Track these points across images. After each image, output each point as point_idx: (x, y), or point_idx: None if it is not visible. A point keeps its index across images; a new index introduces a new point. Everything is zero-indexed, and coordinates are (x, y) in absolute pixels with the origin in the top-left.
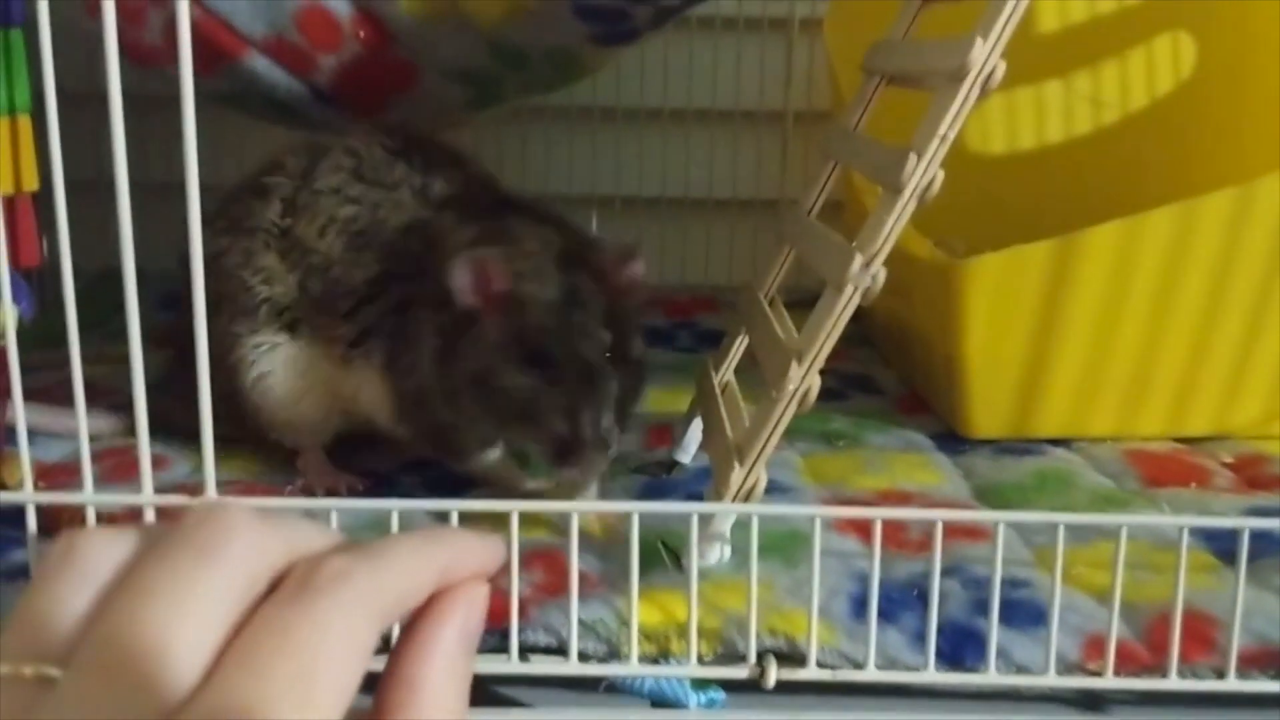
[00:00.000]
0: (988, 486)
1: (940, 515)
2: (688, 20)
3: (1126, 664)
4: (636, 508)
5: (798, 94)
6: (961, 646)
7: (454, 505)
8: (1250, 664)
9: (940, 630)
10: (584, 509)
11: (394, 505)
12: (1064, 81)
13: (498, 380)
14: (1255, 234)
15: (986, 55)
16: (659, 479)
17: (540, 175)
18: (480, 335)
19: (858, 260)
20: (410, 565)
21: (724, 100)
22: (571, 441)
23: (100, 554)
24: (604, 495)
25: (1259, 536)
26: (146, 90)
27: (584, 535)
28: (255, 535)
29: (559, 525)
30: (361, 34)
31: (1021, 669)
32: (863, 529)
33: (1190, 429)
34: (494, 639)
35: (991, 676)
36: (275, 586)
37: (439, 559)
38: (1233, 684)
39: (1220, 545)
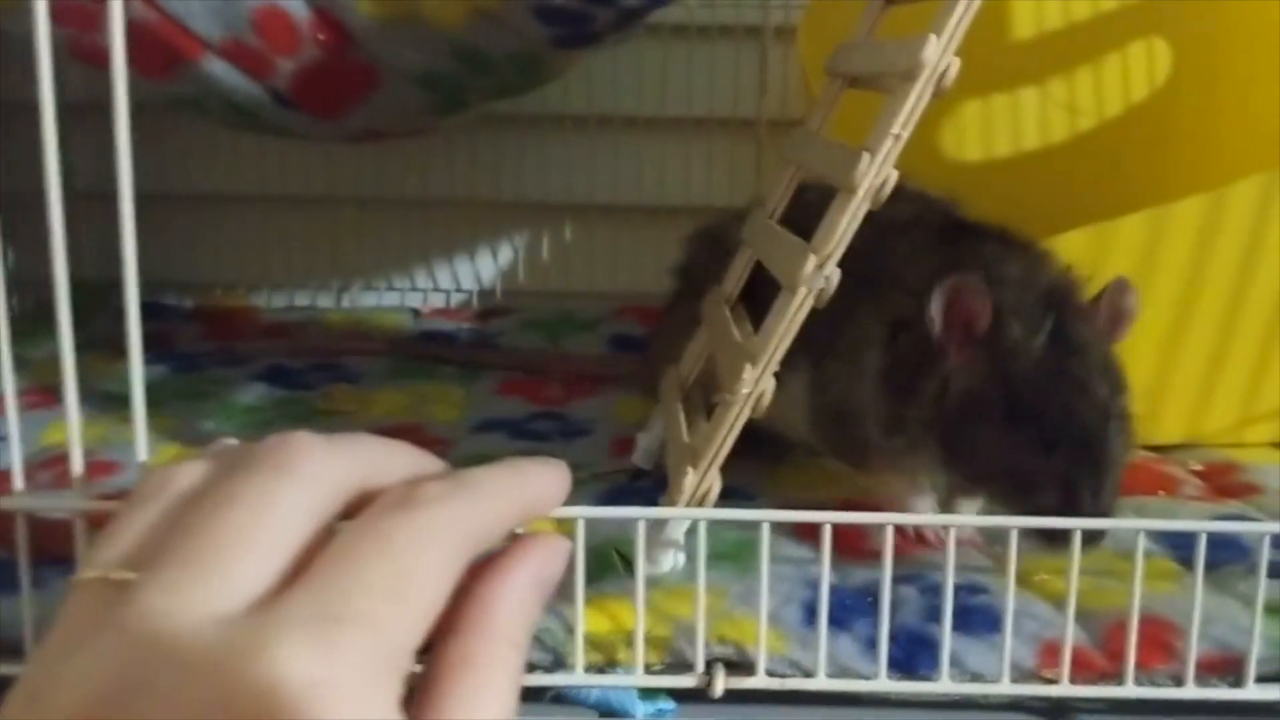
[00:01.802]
0: None
1: (890, 519)
2: (660, 27)
3: (1084, 671)
4: (582, 513)
5: (772, 102)
6: (915, 654)
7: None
8: (1210, 670)
9: (894, 638)
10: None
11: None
12: (1040, 89)
13: (974, 434)
14: (1227, 240)
15: (940, 53)
16: (620, 486)
17: (513, 183)
18: (949, 375)
19: (811, 261)
20: (500, 499)
21: (698, 108)
22: (1061, 513)
23: (182, 476)
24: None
25: (1223, 543)
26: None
27: None
28: (329, 457)
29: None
30: (320, 36)
31: (976, 677)
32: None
33: (1161, 437)
34: None
35: (944, 685)
36: (351, 513)
37: (524, 494)
38: (1191, 691)
39: (1184, 552)
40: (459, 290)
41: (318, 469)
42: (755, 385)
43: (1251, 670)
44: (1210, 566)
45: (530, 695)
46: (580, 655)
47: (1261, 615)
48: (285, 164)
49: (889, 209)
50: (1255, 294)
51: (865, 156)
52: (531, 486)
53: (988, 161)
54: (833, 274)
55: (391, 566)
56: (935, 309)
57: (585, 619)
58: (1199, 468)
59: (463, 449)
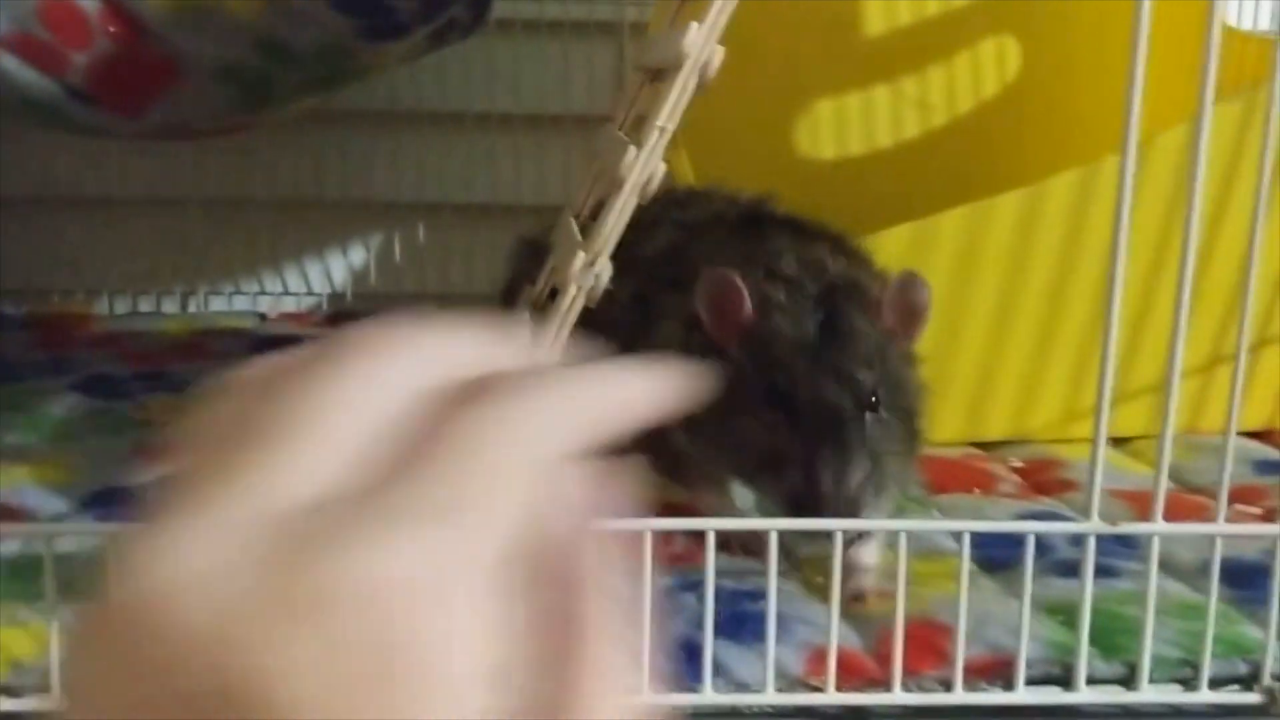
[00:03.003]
0: None
1: (648, 525)
2: (513, 23)
3: (854, 677)
4: None
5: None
6: (685, 664)
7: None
8: (982, 674)
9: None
10: None
11: None
12: (892, 86)
13: (733, 417)
14: (1047, 236)
15: (702, 43)
16: None
17: (364, 182)
18: (723, 366)
19: (580, 259)
20: (601, 397)
21: (553, 105)
22: (806, 497)
23: (263, 368)
24: None
25: (1020, 542)
26: None
27: None
28: (414, 345)
29: None
30: (112, 29)
31: (742, 686)
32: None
33: (988, 433)
34: None
35: (707, 695)
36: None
37: (625, 394)
38: (959, 696)
39: (983, 551)
40: (310, 294)
41: (401, 357)
42: None
43: (1021, 672)
44: (1005, 566)
45: None
46: None
47: (1040, 617)
48: (126, 165)
49: (699, 210)
50: (1077, 289)
51: (632, 150)
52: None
53: (842, 158)
54: (604, 271)
55: (484, 463)
56: (701, 305)
57: None
58: (1019, 465)
59: None
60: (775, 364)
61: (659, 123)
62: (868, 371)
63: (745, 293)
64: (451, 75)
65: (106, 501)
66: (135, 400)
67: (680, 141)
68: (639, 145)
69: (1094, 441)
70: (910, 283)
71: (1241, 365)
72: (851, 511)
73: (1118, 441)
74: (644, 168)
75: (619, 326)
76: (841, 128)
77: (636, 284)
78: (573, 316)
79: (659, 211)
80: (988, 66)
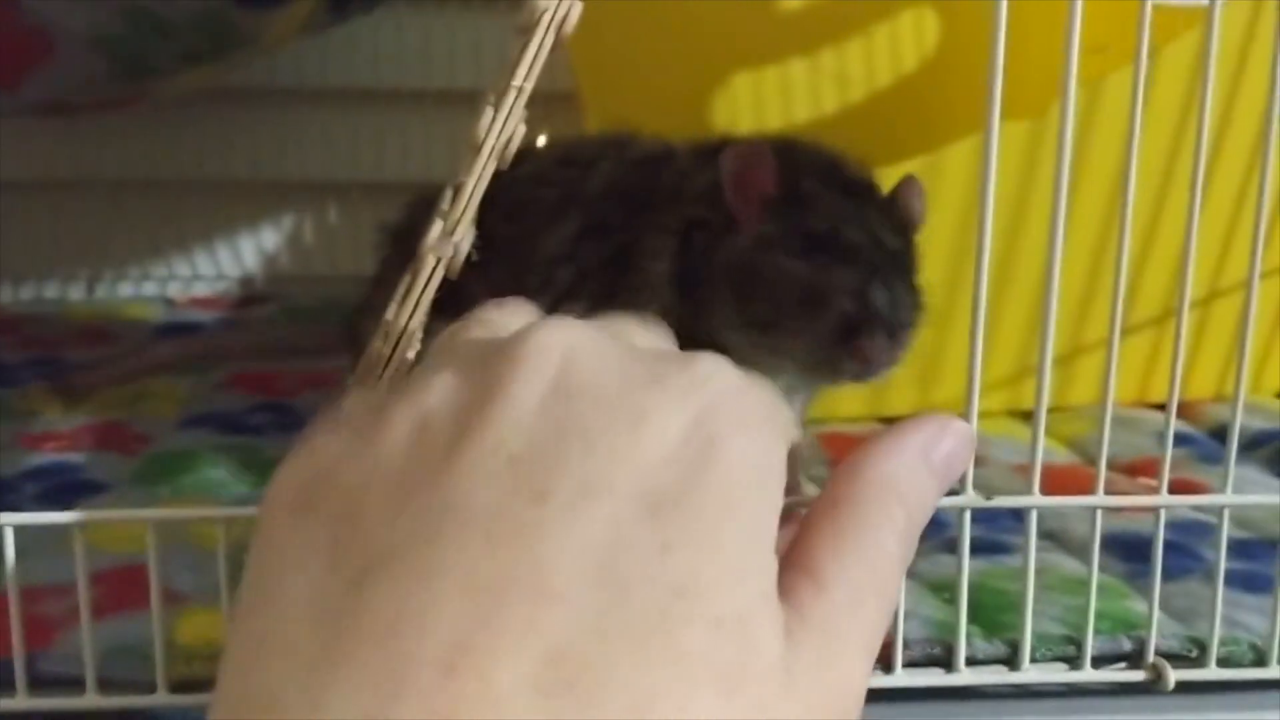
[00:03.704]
0: None
1: None
2: None
3: None
4: (151, 515)
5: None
6: None
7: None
8: None
9: None
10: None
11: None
12: (810, 60)
13: (767, 272)
14: (945, 206)
15: None
16: None
17: (274, 162)
18: (740, 238)
19: (437, 228)
20: None
21: (463, 81)
22: (859, 319)
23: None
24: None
25: None
26: None
27: (196, 546)
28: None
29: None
30: None
31: None
32: None
33: (891, 409)
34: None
35: None
36: None
37: None
38: None
39: None
40: (221, 277)
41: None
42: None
43: (899, 654)
44: None
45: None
46: (161, 672)
47: (926, 596)
48: (29, 147)
49: (637, 149)
50: (974, 265)
51: (488, 111)
52: None
53: (760, 135)
54: (463, 241)
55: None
56: (726, 178)
57: (192, 627)
58: None
59: (160, 446)
60: (816, 213)
61: (515, 82)
62: (903, 235)
63: (775, 162)
64: (361, 51)
65: None
66: (21, 387)
67: (591, 113)
68: (496, 108)
69: (966, 413)
70: (912, 187)
71: (1116, 337)
72: (901, 339)
73: (1026, 415)
74: (501, 130)
75: (570, 260)
76: (759, 101)
77: (583, 218)
78: (431, 289)
79: (596, 151)
80: (906, 39)
